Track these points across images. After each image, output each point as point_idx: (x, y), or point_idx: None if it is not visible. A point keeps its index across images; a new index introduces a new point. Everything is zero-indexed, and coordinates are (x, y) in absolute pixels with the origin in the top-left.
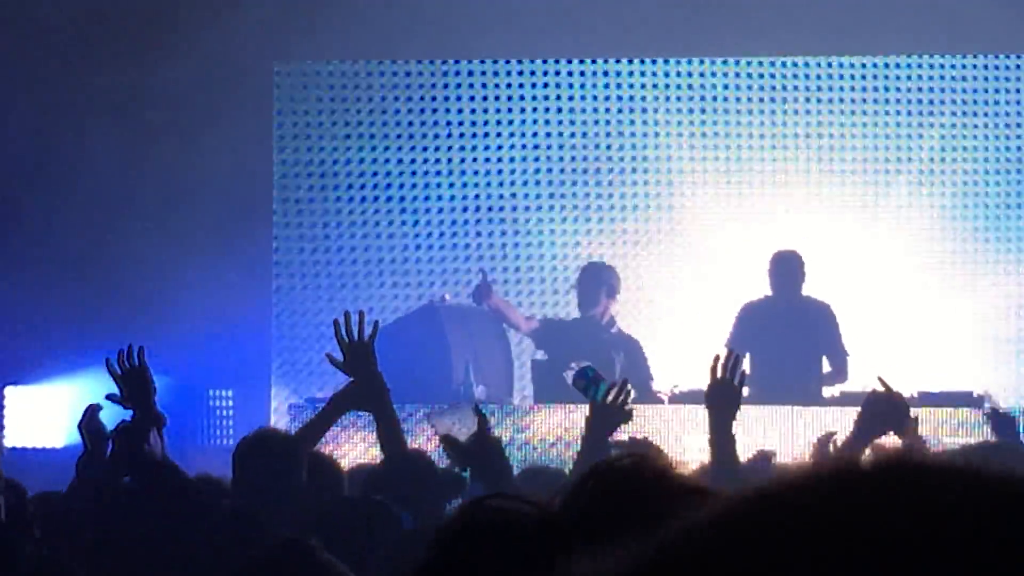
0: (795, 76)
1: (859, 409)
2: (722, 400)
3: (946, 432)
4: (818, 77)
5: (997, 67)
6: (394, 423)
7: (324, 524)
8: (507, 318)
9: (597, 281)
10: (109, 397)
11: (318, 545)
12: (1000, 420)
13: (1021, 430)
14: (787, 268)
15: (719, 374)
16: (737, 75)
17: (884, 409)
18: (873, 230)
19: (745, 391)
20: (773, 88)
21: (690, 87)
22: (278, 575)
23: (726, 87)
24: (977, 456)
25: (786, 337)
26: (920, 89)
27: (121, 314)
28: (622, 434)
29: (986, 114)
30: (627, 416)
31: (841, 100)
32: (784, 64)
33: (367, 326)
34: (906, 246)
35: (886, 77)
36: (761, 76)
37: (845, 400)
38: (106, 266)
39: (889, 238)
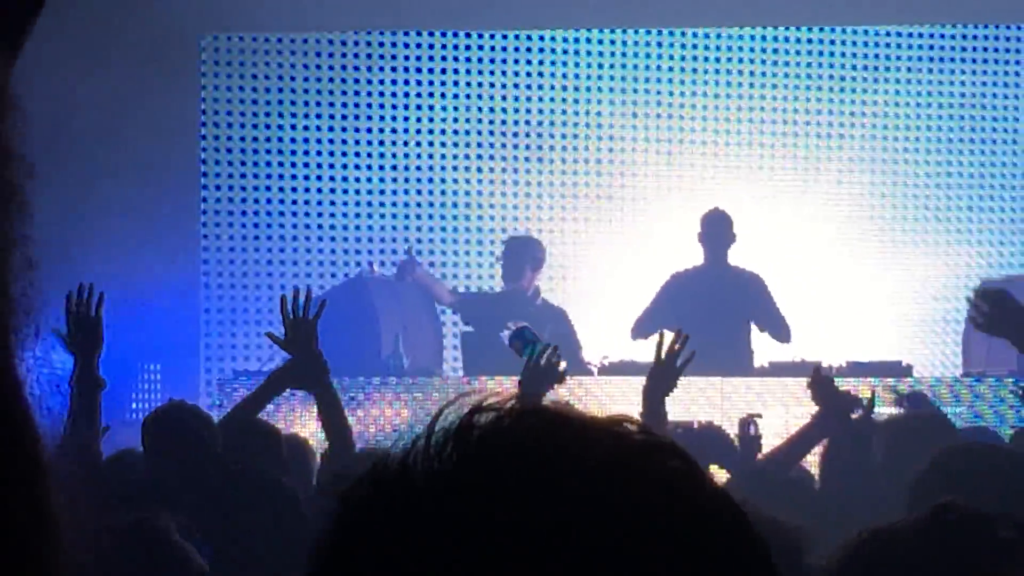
0: (732, 48)
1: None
2: (661, 378)
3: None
4: (754, 50)
5: (933, 43)
6: (336, 406)
7: (223, 498)
8: (432, 292)
9: (522, 254)
10: (55, 331)
11: (168, 527)
12: (911, 397)
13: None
14: (716, 228)
15: (662, 356)
16: (672, 46)
17: (839, 404)
18: (807, 206)
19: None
20: (708, 60)
21: (625, 58)
22: (123, 555)
23: (660, 58)
24: (907, 429)
25: (715, 306)
26: (855, 67)
27: (46, 287)
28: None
29: (925, 93)
30: (558, 377)
31: (776, 74)
32: (720, 36)
33: (312, 305)
34: (839, 223)
35: (820, 53)
36: (696, 48)
37: (773, 371)
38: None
39: (822, 216)
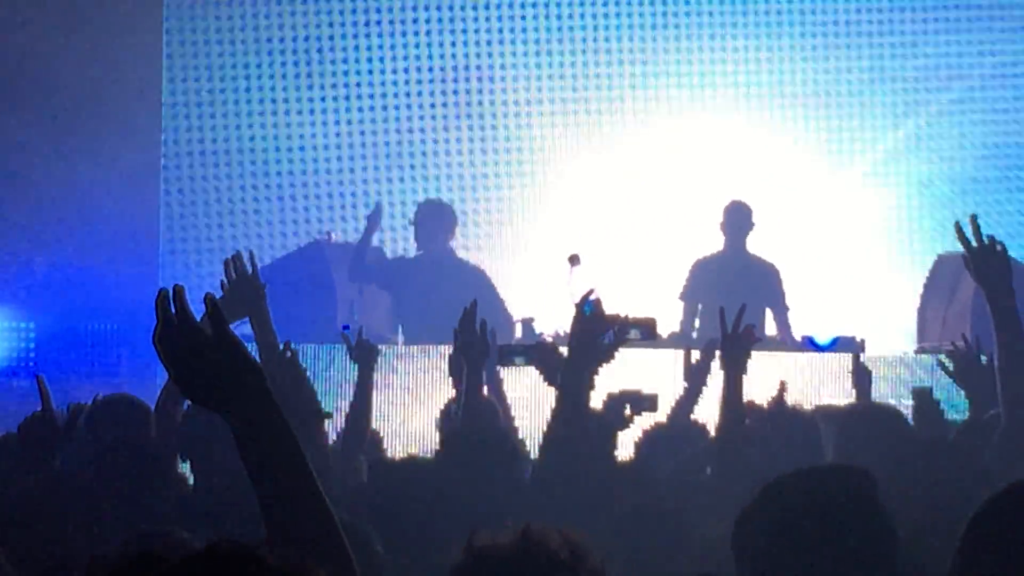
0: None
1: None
2: (733, 356)
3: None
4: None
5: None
6: (267, 322)
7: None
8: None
9: (433, 218)
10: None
11: None
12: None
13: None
14: (737, 218)
15: (728, 330)
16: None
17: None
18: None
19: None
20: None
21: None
22: None
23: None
24: (858, 420)
25: (738, 292)
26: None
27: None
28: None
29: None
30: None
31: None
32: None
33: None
34: (793, 191)
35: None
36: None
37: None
38: None
39: (778, 181)
